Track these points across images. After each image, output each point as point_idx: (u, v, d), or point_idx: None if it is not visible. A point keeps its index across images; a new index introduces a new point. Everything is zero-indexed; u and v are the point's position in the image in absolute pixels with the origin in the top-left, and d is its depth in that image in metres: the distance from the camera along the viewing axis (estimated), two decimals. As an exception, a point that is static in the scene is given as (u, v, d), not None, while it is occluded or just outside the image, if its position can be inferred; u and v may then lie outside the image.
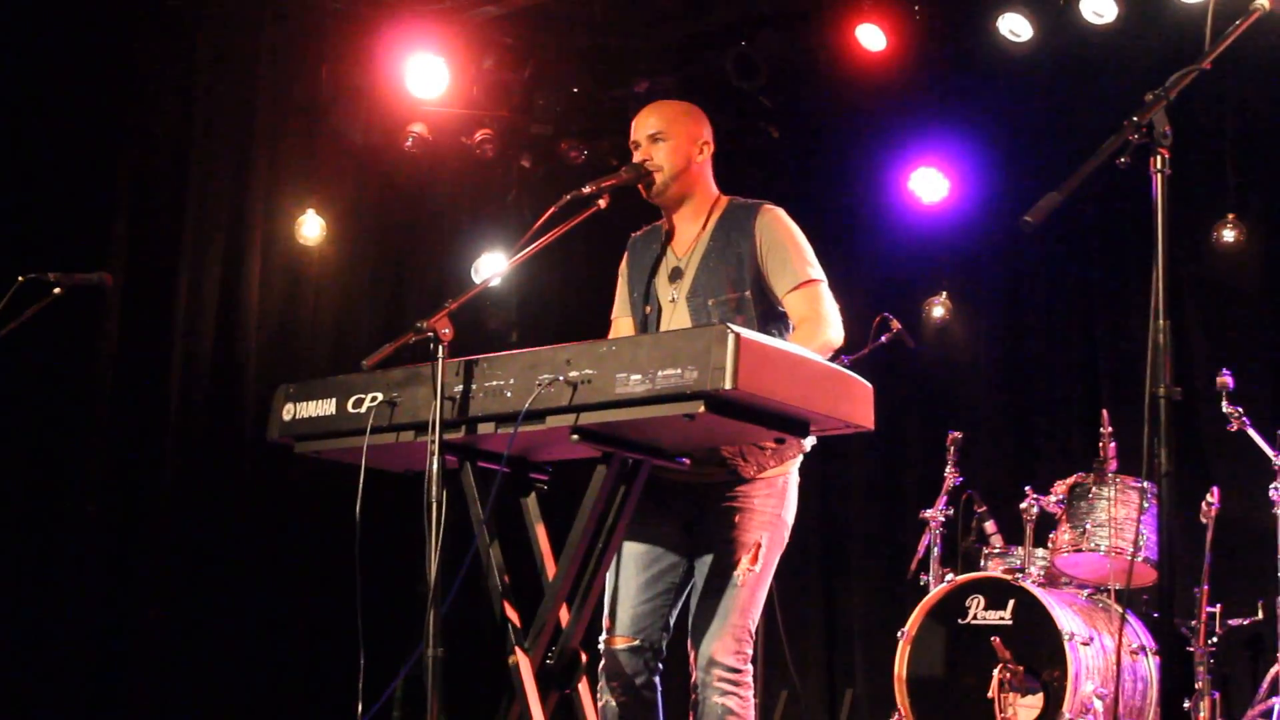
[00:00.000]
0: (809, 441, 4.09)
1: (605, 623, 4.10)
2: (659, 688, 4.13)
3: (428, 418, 3.50)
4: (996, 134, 7.85)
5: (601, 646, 4.11)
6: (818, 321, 4.00)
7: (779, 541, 4.10)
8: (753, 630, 4.02)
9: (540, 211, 3.98)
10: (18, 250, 6.24)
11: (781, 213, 4.19)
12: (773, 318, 4.08)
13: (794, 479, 4.15)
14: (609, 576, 4.12)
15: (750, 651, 4.01)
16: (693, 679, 4.03)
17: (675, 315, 4.18)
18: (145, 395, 7.02)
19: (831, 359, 3.72)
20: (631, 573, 4.11)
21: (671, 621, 4.14)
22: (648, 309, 4.25)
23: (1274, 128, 7.09)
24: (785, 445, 4.02)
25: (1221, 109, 7.08)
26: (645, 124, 4.23)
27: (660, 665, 4.13)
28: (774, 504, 4.07)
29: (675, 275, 4.22)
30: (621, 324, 4.38)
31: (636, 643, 4.07)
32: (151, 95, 7.15)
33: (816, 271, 4.09)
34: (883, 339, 7.01)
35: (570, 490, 3.75)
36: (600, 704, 4.06)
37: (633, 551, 4.12)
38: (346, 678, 3.78)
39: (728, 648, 3.95)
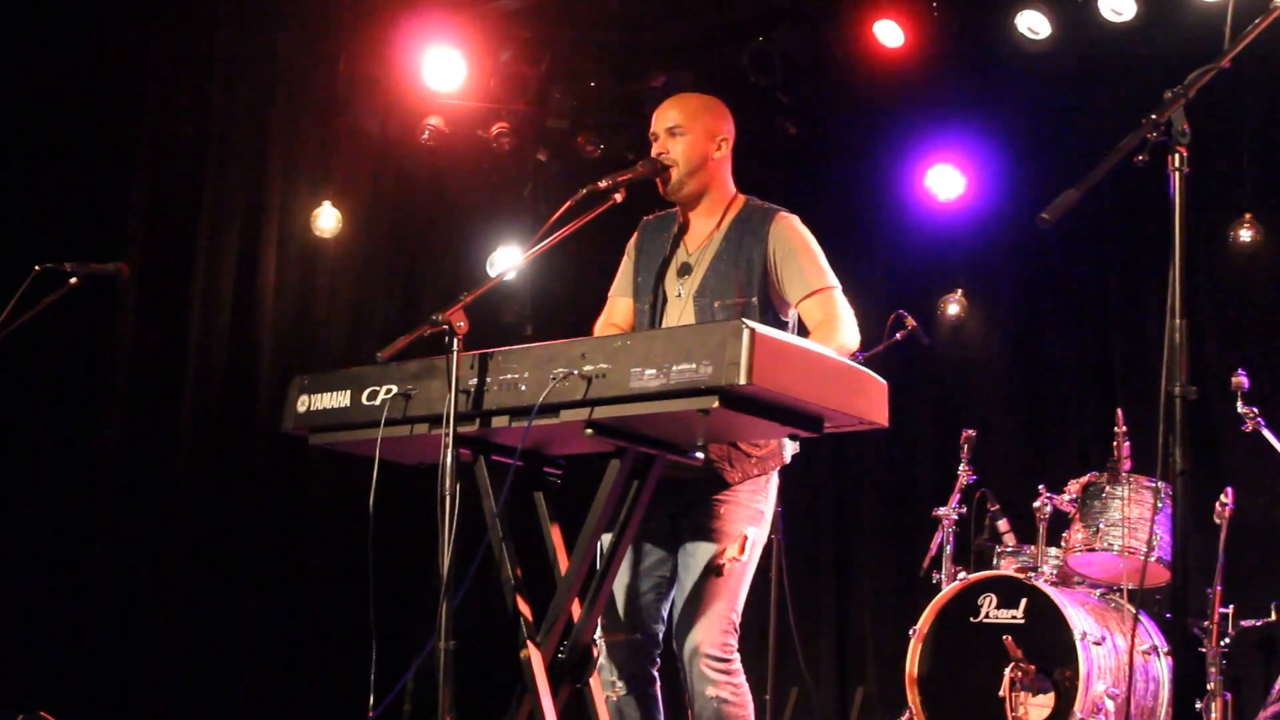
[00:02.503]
0: (789, 454, 4.12)
1: (601, 620, 4.10)
2: (657, 680, 4.15)
3: (442, 411, 3.50)
4: (1013, 131, 7.83)
5: (599, 641, 4.11)
6: (833, 325, 4.00)
7: (763, 537, 4.13)
8: (737, 621, 4.03)
9: (556, 205, 3.99)
10: (34, 240, 6.26)
11: (795, 220, 4.19)
12: (779, 325, 4.06)
13: (774, 479, 4.18)
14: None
15: (735, 642, 4.02)
16: (683, 673, 4.03)
17: (681, 311, 4.19)
18: (160, 386, 7.04)
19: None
20: (624, 569, 4.11)
21: (664, 613, 4.15)
22: (652, 299, 4.25)
23: (1293, 127, 7.08)
24: (770, 454, 4.06)
25: (1240, 108, 7.06)
26: (665, 117, 4.24)
27: (657, 656, 4.14)
28: (760, 499, 4.10)
29: (685, 270, 4.22)
30: (619, 302, 4.38)
31: (637, 637, 4.10)
32: (169, 87, 7.17)
33: (830, 278, 4.10)
34: (897, 336, 7.01)
35: (584, 484, 3.75)
36: (603, 700, 4.06)
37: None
38: (358, 670, 3.80)
39: (713, 638, 3.96)
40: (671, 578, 4.13)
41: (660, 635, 4.15)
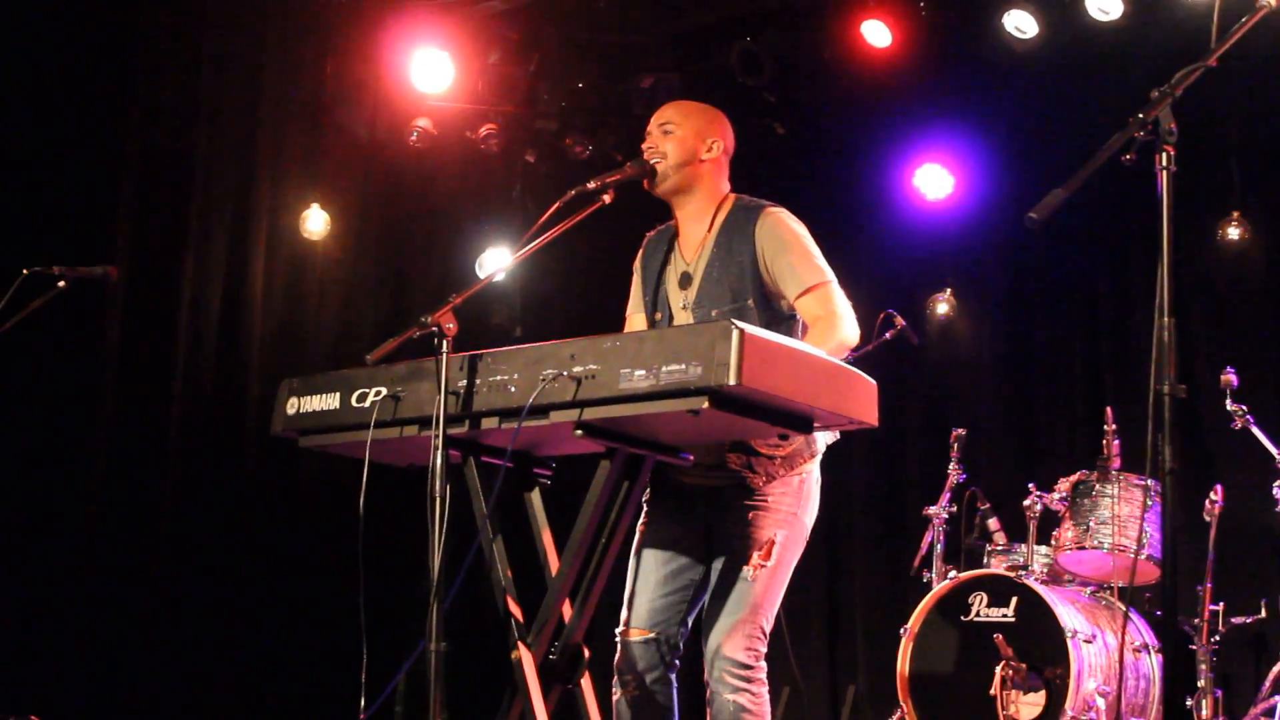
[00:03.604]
0: (822, 445, 4.10)
1: (623, 615, 4.12)
2: (674, 684, 4.12)
3: (431, 412, 3.50)
4: (1001, 131, 7.83)
5: (617, 638, 4.12)
6: (831, 321, 3.98)
7: (796, 540, 4.09)
8: (766, 628, 4.00)
9: (545, 206, 3.99)
10: (22, 243, 6.25)
11: (783, 215, 4.16)
12: (778, 322, 4.05)
13: (813, 479, 4.14)
14: (629, 571, 4.14)
15: (763, 649, 3.99)
16: (706, 675, 4.03)
17: (685, 322, 4.18)
18: (149, 389, 7.02)
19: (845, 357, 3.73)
20: (650, 568, 4.13)
21: (689, 620, 4.15)
22: (658, 315, 4.25)
23: (1280, 126, 7.09)
24: (795, 453, 4.03)
25: (1227, 107, 7.06)
26: (660, 115, 4.27)
27: (676, 662, 4.13)
28: (790, 502, 4.06)
29: (685, 281, 4.22)
30: (635, 320, 4.38)
31: (651, 635, 4.08)
32: (156, 89, 7.14)
33: (825, 272, 4.07)
34: (887, 335, 7.01)
35: (574, 485, 3.75)
36: (615, 698, 4.07)
37: (653, 550, 4.14)
38: (349, 672, 3.79)
39: (737, 643, 3.95)
40: (700, 585, 4.12)
41: (679, 641, 4.12)
